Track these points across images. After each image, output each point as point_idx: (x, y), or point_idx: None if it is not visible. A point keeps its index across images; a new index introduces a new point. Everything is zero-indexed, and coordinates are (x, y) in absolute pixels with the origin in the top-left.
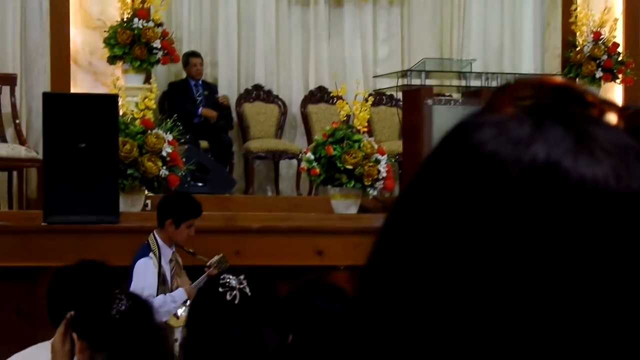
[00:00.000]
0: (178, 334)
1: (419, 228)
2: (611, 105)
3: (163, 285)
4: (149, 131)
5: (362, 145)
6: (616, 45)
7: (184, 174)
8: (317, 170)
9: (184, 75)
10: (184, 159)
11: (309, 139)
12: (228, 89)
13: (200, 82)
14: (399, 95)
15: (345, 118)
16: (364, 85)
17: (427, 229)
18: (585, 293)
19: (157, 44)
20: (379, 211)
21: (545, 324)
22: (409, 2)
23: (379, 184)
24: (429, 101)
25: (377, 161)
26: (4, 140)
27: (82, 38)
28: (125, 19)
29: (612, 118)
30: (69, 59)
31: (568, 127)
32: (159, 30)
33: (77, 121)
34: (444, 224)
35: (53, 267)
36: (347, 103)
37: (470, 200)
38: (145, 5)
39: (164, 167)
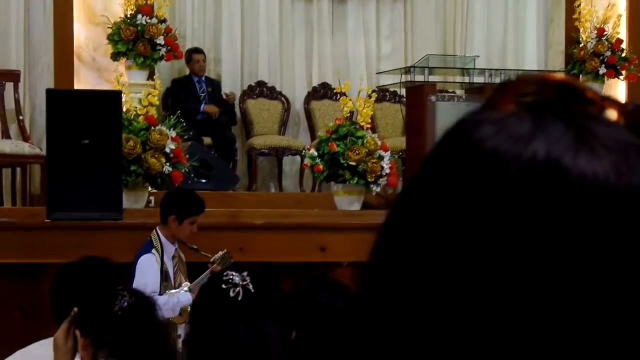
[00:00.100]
0: (181, 331)
1: (420, 225)
2: (612, 102)
3: (165, 282)
4: (152, 127)
5: (365, 141)
6: (620, 41)
7: (187, 170)
8: (321, 167)
9: (187, 71)
10: (187, 156)
11: (313, 136)
12: (231, 86)
13: (203, 78)
14: (403, 91)
15: (348, 114)
16: (367, 82)
17: (428, 226)
18: (586, 290)
19: (160, 40)
20: (382, 207)
21: (544, 320)
22: None
23: (382, 181)
24: (432, 97)
25: (381, 157)
26: (8, 137)
27: (85, 34)
28: (128, 15)
29: (612, 114)
30: (72, 56)
31: (568, 123)
32: (163, 26)
33: (81, 117)
34: (445, 221)
35: (56, 264)
36: (350, 99)
37: (471, 197)
38: (148, 2)
39: (167, 164)
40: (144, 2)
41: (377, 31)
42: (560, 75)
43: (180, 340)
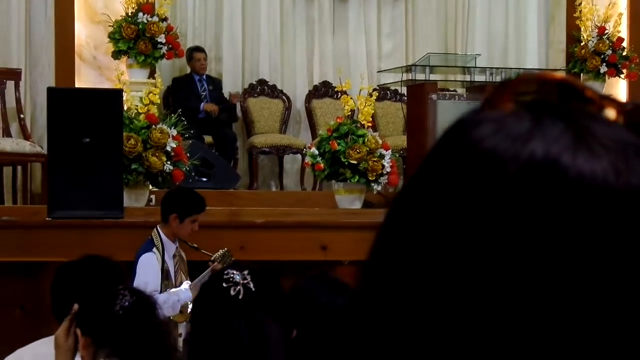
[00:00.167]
0: (182, 329)
1: (418, 224)
2: (610, 101)
3: (166, 280)
4: (153, 126)
5: (366, 140)
6: (621, 40)
7: (188, 169)
8: (322, 165)
9: (188, 70)
10: (188, 154)
11: (313, 134)
12: (232, 84)
13: (204, 77)
14: (404, 90)
15: (349, 113)
16: (368, 80)
17: (426, 225)
18: (584, 290)
19: (161, 38)
20: (383, 206)
21: (542, 319)
22: None
23: (383, 179)
24: (433, 96)
25: (382, 156)
26: (9, 135)
27: (86, 33)
28: (129, 14)
29: (611, 114)
30: (73, 54)
31: (567, 123)
32: (164, 25)
33: (82, 116)
34: (443, 220)
35: (57, 262)
36: (351, 98)
37: (469, 196)
38: (149, 0)
39: (168, 162)
40: (145, 0)
41: (378, 29)
42: (559, 74)
43: (181, 339)
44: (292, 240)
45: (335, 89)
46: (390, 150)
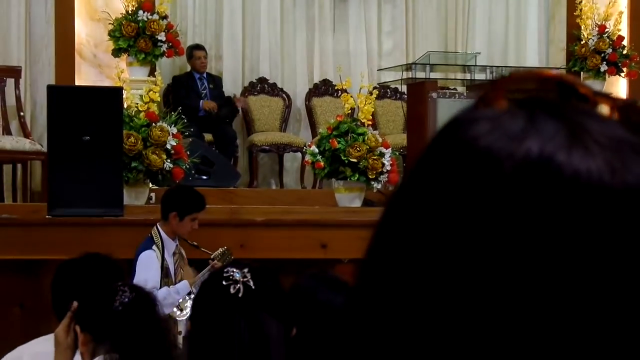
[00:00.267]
0: (182, 327)
1: (414, 222)
2: (604, 97)
3: (166, 278)
4: (154, 124)
5: (366, 138)
6: (621, 38)
7: (188, 166)
8: (322, 164)
9: (188, 68)
10: (188, 152)
11: (314, 132)
12: (232, 82)
13: (204, 75)
14: (404, 88)
15: (349, 111)
16: (368, 79)
17: (422, 224)
18: (581, 288)
19: (161, 36)
20: (383, 205)
21: (538, 316)
22: None
23: (383, 177)
24: (434, 94)
25: (382, 154)
26: (9, 133)
27: (86, 30)
28: (130, 12)
29: (605, 110)
30: (73, 52)
31: (561, 120)
32: (164, 22)
33: (82, 114)
34: (439, 219)
35: (57, 260)
36: (351, 96)
37: (465, 195)
38: None
39: (168, 160)
40: None
41: (379, 28)
42: (552, 71)
43: (181, 337)
44: (292, 238)
45: (336, 87)
46: (390, 149)
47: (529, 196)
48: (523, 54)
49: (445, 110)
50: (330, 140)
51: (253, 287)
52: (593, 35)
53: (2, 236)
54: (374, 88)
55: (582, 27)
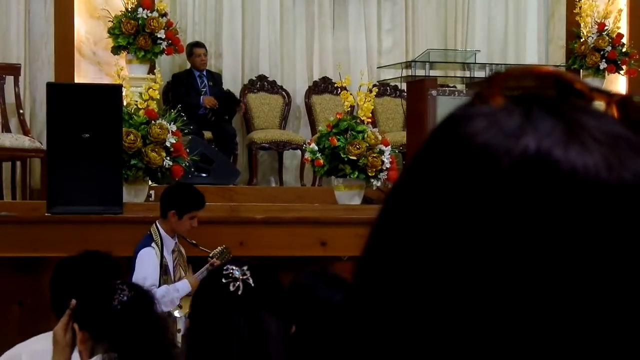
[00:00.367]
0: (181, 325)
1: (411, 220)
2: (601, 93)
3: (165, 276)
4: (153, 122)
5: (366, 136)
6: (620, 36)
7: (187, 164)
8: (321, 161)
9: (188, 65)
10: (187, 150)
11: (313, 130)
12: (232, 80)
13: (204, 72)
14: (403, 86)
15: (349, 109)
16: (368, 76)
17: (419, 221)
18: (578, 285)
19: (161, 34)
20: (381, 202)
21: (535, 312)
22: None
23: (383, 175)
24: (433, 92)
25: (381, 152)
26: (8, 131)
27: (86, 28)
28: (129, 9)
29: (601, 106)
30: (73, 49)
31: (558, 116)
32: (164, 20)
33: (81, 111)
34: (436, 216)
35: (56, 258)
36: (351, 94)
37: (462, 192)
38: None
39: (168, 158)
40: None
41: (378, 25)
42: (547, 67)
43: (180, 335)
44: (291, 235)
45: (335, 85)
46: (389, 146)
47: (527, 193)
48: (523, 51)
49: (444, 107)
50: (330, 138)
51: (252, 284)
52: (592, 33)
53: (1, 234)
54: (374, 86)
55: (582, 25)
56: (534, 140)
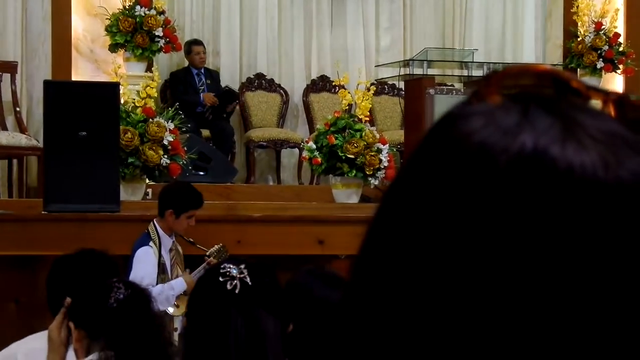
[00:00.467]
0: (178, 323)
1: (408, 219)
2: (597, 91)
3: (162, 275)
4: (150, 120)
5: (363, 134)
6: (617, 35)
7: (185, 162)
8: (319, 160)
9: (186, 63)
10: (185, 148)
11: (311, 128)
12: (230, 78)
13: (202, 70)
14: (401, 84)
15: (347, 107)
16: (366, 75)
17: (416, 220)
18: (575, 284)
19: (159, 32)
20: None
21: (531, 310)
22: None
23: (381, 174)
24: (431, 91)
25: (379, 150)
26: (5, 128)
27: (83, 25)
28: (127, 7)
29: (598, 104)
30: (70, 47)
31: (555, 114)
32: (161, 18)
33: (78, 109)
34: (432, 215)
35: (53, 256)
36: (349, 92)
37: (459, 190)
38: None
39: (165, 156)
40: None
41: (377, 24)
42: (544, 66)
43: (176, 333)
44: (289, 234)
45: (333, 83)
46: (387, 145)
47: (524, 191)
48: (520, 50)
49: (442, 106)
50: (328, 137)
51: (250, 283)
52: (589, 32)
53: None
54: (372, 84)
55: (579, 24)
56: (531, 138)
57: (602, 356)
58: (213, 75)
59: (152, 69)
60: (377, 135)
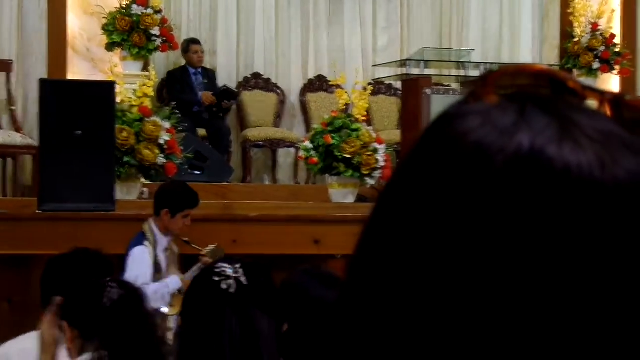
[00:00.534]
0: (173, 323)
1: (404, 219)
2: (594, 91)
3: (158, 274)
4: (147, 119)
5: (360, 134)
6: (613, 36)
7: (181, 162)
8: (315, 159)
9: (182, 62)
10: (181, 147)
11: (308, 128)
12: (227, 77)
13: (199, 69)
14: (398, 84)
15: (344, 107)
16: (363, 74)
17: (412, 220)
18: (572, 284)
19: (156, 31)
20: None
21: (528, 310)
22: None
23: (377, 173)
24: (428, 91)
25: (375, 150)
26: (0, 127)
27: (80, 24)
28: (124, 6)
29: (594, 104)
30: (66, 45)
31: (551, 114)
32: (158, 17)
33: (74, 108)
34: (428, 215)
35: (47, 255)
36: (346, 92)
37: (455, 190)
38: None
39: (161, 155)
40: None
41: (374, 24)
42: (541, 66)
43: (171, 333)
44: (285, 234)
45: (330, 83)
46: (384, 145)
47: (521, 191)
48: (517, 50)
49: (439, 106)
50: (324, 136)
51: (245, 282)
52: (586, 33)
53: None
54: (369, 84)
55: (576, 25)
56: (527, 138)
57: (602, 356)
58: (210, 75)
59: (149, 68)
60: (374, 135)
